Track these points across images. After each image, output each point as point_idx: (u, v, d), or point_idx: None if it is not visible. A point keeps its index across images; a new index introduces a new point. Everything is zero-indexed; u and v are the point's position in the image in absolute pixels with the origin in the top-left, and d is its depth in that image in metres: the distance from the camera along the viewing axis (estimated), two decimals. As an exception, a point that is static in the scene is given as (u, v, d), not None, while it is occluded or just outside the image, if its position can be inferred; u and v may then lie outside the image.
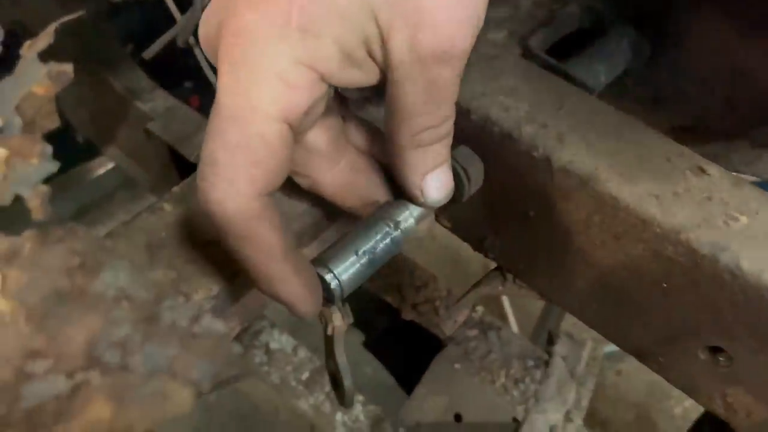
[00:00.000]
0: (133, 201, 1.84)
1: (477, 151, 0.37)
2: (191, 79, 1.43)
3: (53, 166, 0.19)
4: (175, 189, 0.35)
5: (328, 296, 0.32)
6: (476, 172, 0.37)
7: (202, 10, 0.70)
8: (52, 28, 0.21)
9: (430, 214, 0.37)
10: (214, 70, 0.83)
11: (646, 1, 0.48)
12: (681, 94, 0.49)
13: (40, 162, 0.19)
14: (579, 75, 0.45)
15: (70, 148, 1.39)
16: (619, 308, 0.36)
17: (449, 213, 0.42)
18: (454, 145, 0.34)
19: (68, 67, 0.20)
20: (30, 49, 0.21)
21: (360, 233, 0.34)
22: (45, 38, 0.21)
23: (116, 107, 1.11)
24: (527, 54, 0.46)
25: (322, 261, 0.32)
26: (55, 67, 0.20)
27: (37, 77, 0.20)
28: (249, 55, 0.26)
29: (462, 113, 0.36)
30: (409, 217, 0.35)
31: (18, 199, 0.19)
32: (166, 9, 0.98)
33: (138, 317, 0.16)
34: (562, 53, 0.49)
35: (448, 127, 0.32)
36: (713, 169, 0.34)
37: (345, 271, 0.32)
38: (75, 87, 1.17)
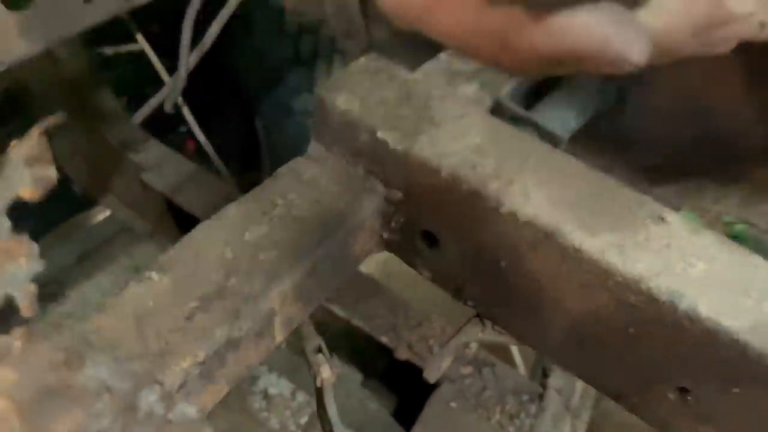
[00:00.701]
0: (132, 245, 1.85)
1: (447, 206, 0.39)
2: (186, 124, 1.46)
3: (39, 265, 0.21)
4: (162, 257, 0.37)
5: None
6: None
7: (186, 77, 0.72)
8: (35, 132, 0.23)
9: None
10: (201, 124, 0.85)
11: None
12: (650, 134, 0.51)
13: (28, 261, 0.21)
14: (549, 124, 0.47)
15: (67, 198, 1.41)
16: (592, 353, 0.38)
17: (428, 264, 0.44)
18: None
19: (51, 171, 0.22)
20: (16, 153, 0.23)
21: None
22: (29, 142, 0.23)
23: (111, 159, 1.14)
24: (498, 106, 0.48)
25: None
26: (38, 171, 0.22)
27: (24, 181, 0.22)
28: None
29: (432, 171, 0.39)
30: None
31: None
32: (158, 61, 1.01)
33: (118, 408, 0.18)
34: (535, 95, 0.51)
35: None
36: (672, 217, 0.36)
37: None
38: (70, 140, 1.20)
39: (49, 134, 0.82)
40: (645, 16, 0.26)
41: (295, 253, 0.39)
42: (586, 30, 0.23)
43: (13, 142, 0.24)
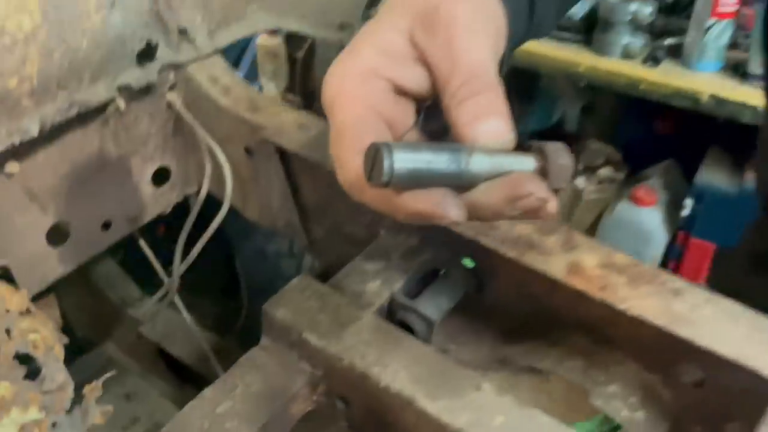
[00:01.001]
0: (124, 375, 2.01)
1: (350, 381, 0.59)
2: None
3: (105, 459, 0.40)
4: (162, 430, 0.56)
5: (376, 171, 0.37)
6: (558, 160, 0.41)
7: (179, 287, 0.94)
8: (99, 384, 0.43)
9: (497, 170, 0.41)
10: (187, 307, 1.07)
11: (474, 252, 0.72)
12: (502, 310, 0.72)
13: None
14: (426, 309, 0.68)
15: (70, 341, 1.57)
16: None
17: (345, 418, 0.63)
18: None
19: (110, 408, 0.42)
20: (89, 395, 0.43)
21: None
22: (96, 390, 0.42)
23: (111, 313, 1.32)
24: (392, 298, 0.69)
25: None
26: (104, 407, 0.41)
27: (95, 414, 0.41)
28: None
29: (338, 359, 0.59)
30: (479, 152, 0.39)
31: None
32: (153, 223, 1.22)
33: None
34: (421, 286, 0.72)
35: (479, 85, 0.41)
36: (486, 386, 0.56)
37: (402, 150, 0.37)
38: (76, 296, 1.39)
39: (57, 292, 1.01)
40: (474, 194, 0.42)
41: (250, 421, 0.58)
42: (422, 202, 0.40)
43: (87, 387, 0.44)
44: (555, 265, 0.61)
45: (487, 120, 0.40)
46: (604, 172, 2.21)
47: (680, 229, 2.02)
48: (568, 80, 2.43)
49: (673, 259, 2.07)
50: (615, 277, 0.59)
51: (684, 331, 0.55)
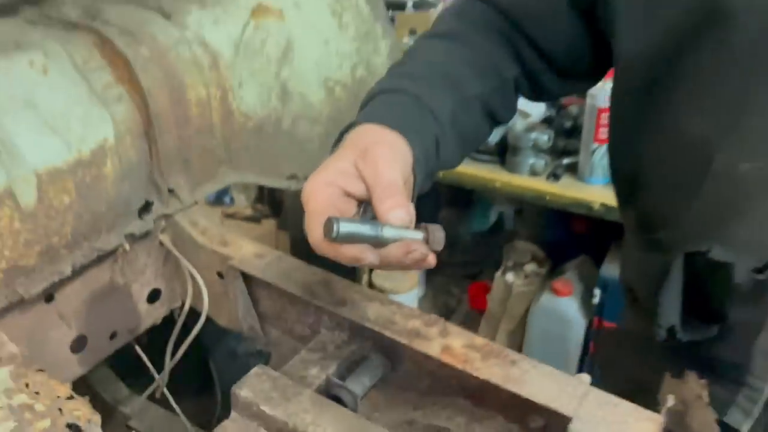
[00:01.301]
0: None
1: (293, 440, 0.80)
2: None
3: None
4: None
5: (328, 232, 0.60)
6: (436, 234, 0.65)
7: (167, 379, 1.16)
8: None
9: (399, 237, 0.64)
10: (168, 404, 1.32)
11: (382, 342, 0.95)
12: (410, 383, 0.95)
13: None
14: (354, 387, 0.90)
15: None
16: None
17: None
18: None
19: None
20: None
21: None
22: None
23: (103, 411, 1.50)
24: (327, 379, 0.91)
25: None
26: None
27: None
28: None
29: (283, 423, 0.80)
30: (388, 226, 0.63)
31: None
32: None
33: None
34: (349, 370, 0.94)
35: (391, 192, 0.64)
36: (389, 435, 0.78)
37: (344, 221, 0.60)
38: (72, 399, 1.56)
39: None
40: (385, 250, 0.65)
41: (223, 472, 0.78)
42: (354, 251, 0.63)
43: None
44: (433, 348, 0.84)
45: (395, 211, 0.64)
46: (530, 267, 2.49)
47: (595, 315, 2.28)
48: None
49: (592, 341, 2.31)
50: (473, 353, 0.83)
51: (517, 389, 0.78)
